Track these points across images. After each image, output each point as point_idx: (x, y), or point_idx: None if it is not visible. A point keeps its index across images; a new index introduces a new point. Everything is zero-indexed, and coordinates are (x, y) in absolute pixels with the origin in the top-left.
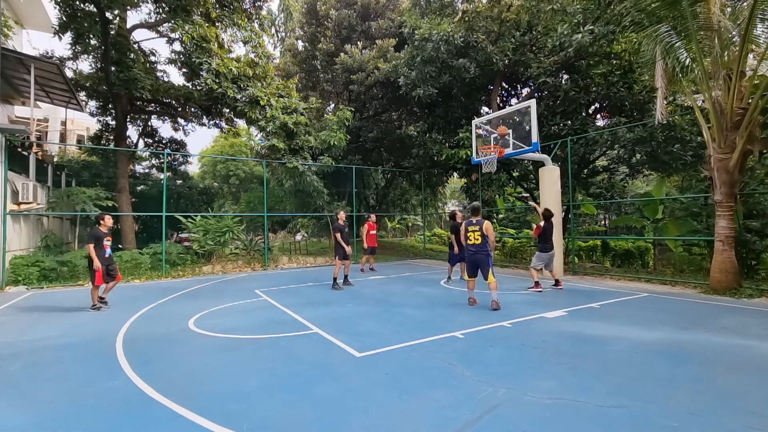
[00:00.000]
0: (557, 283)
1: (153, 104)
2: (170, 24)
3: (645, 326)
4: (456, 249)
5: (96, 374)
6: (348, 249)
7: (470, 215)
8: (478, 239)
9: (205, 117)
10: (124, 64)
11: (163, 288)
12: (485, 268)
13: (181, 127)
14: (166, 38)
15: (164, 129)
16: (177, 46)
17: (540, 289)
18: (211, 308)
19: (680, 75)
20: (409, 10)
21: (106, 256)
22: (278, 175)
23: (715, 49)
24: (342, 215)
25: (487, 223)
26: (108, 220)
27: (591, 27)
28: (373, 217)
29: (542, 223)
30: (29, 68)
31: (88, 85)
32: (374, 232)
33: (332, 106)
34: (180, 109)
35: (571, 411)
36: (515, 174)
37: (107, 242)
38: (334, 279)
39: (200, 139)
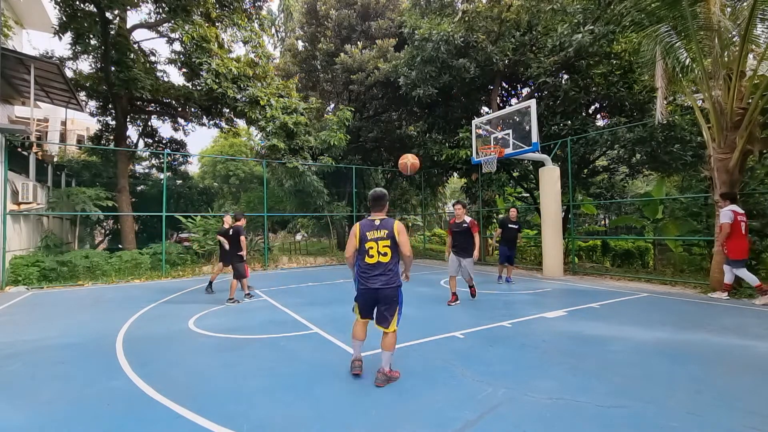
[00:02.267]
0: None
1: (153, 104)
2: (170, 24)
3: (645, 326)
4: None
5: (96, 374)
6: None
7: (371, 211)
8: (386, 254)
9: (205, 117)
10: (124, 64)
11: (163, 288)
12: (392, 309)
13: (181, 127)
14: (166, 38)
15: (164, 129)
16: (177, 46)
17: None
18: (211, 308)
19: (680, 75)
20: (409, 10)
21: None
22: (278, 175)
23: (715, 49)
24: (227, 219)
25: (399, 226)
26: (243, 221)
27: (591, 27)
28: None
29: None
30: (29, 68)
31: (88, 85)
32: None
33: (332, 106)
34: (180, 109)
35: (571, 411)
36: (515, 174)
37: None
38: (210, 282)
39: (200, 139)
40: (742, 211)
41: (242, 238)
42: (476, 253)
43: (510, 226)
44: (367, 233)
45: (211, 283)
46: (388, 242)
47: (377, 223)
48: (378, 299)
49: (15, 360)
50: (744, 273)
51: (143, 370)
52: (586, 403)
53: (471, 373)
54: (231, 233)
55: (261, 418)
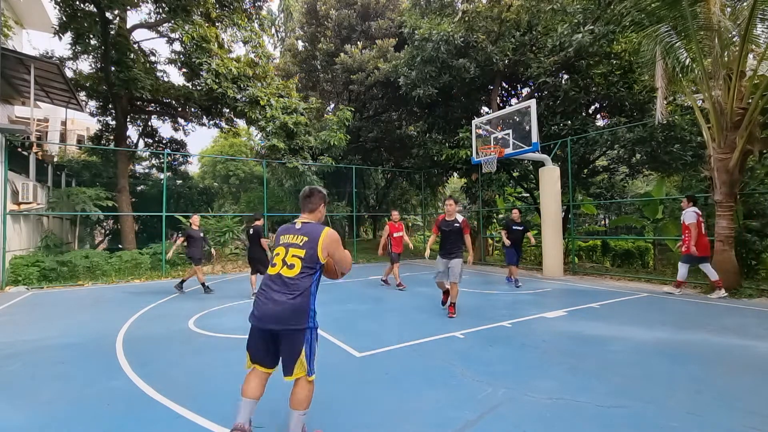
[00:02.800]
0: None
1: (153, 104)
2: (170, 24)
3: (645, 326)
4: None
5: (96, 374)
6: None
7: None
8: (293, 265)
9: (205, 117)
10: (124, 64)
11: (163, 288)
12: (296, 351)
13: (181, 127)
14: (166, 38)
15: (164, 129)
16: (177, 46)
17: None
18: (211, 308)
19: (680, 75)
20: (409, 10)
21: None
22: (278, 175)
23: (715, 49)
24: (195, 219)
25: (330, 237)
26: (262, 221)
27: (591, 27)
28: (395, 215)
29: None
30: (29, 68)
31: (88, 85)
32: (399, 234)
33: (332, 106)
34: (180, 109)
35: (571, 411)
36: (515, 174)
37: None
38: (202, 284)
39: (200, 139)
40: (700, 212)
41: (263, 240)
42: (471, 258)
43: (514, 227)
44: (282, 237)
45: (204, 284)
46: (301, 252)
47: (298, 226)
48: (273, 335)
49: (15, 360)
50: (682, 267)
51: (143, 370)
52: (586, 403)
53: (471, 373)
54: (251, 233)
55: (261, 418)
